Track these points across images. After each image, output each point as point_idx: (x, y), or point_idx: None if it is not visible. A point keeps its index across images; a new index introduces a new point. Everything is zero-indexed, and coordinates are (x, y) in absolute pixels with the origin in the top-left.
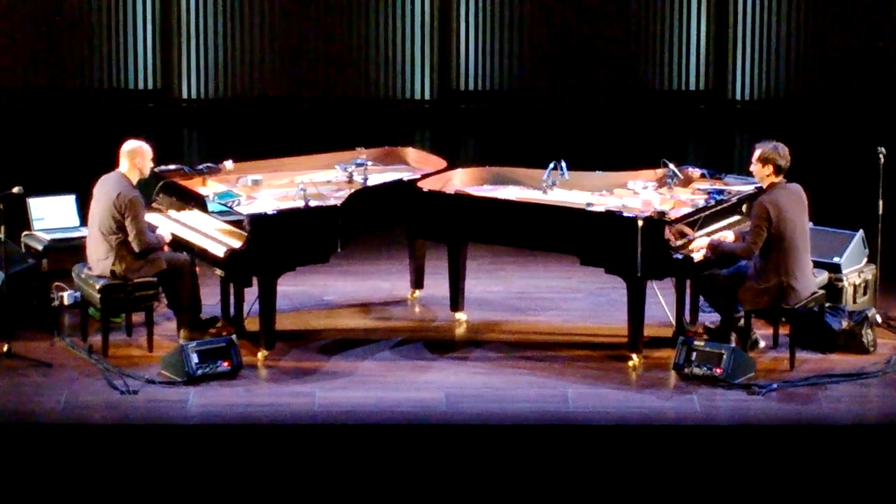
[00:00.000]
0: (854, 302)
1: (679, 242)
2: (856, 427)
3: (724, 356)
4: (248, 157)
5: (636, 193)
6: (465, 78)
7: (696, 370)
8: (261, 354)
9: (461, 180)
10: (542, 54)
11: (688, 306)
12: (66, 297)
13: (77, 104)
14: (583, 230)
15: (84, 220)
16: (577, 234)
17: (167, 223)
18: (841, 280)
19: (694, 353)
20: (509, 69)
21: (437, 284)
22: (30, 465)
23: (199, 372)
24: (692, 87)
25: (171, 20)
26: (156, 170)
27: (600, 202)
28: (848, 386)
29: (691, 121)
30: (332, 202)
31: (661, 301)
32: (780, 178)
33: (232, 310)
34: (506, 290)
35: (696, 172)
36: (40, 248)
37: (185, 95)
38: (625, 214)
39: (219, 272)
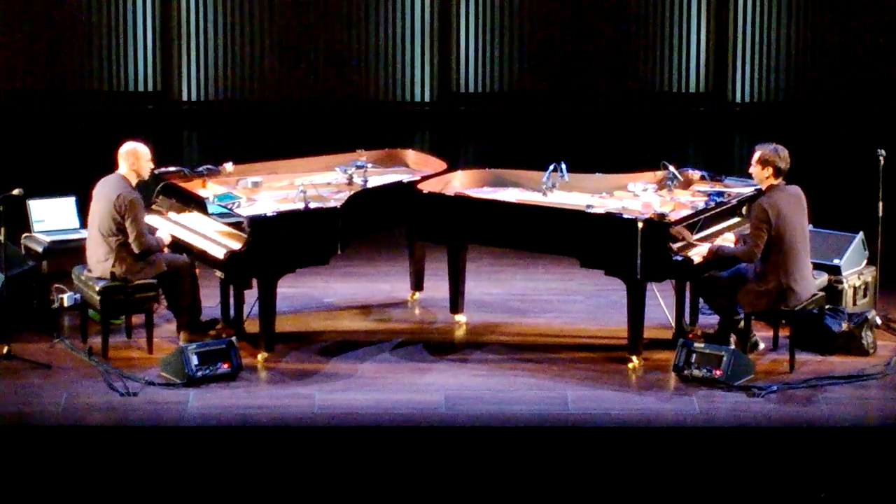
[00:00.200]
0: (854, 304)
1: (679, 244)
2: (855, 429)
3: (724, 358)
4: (248, 159)
5: (636, 195)
6: (465, 80)
7: (696, 372)
8: (261, 356)
9: (461, 182)
10: (541, 56)
11: (687, 308)
12: (66, 298)
13: (77, 106)
14: (583, 232)
15: (84, 222)
16: (577, 236)
17: (167, 225)
18: (841, 282)
19: (694, 355)
20: (509, 71)
21: (436, 286)
22: (30, 466)
23: (199, 374)
24: (692, 89)
25: (170, 22)
26: (156, 172)
27: (600, 204)
28: (848, 388)
29: (691, 123)
30: (331, 204)
31: (660, 303)
32: (779, 181)
33: (232, 312)
34: (506, 292)
35: (695, 174)
36: (40, 249)
37: (184, 97)
38: (625, 216)
39: (219, 274)
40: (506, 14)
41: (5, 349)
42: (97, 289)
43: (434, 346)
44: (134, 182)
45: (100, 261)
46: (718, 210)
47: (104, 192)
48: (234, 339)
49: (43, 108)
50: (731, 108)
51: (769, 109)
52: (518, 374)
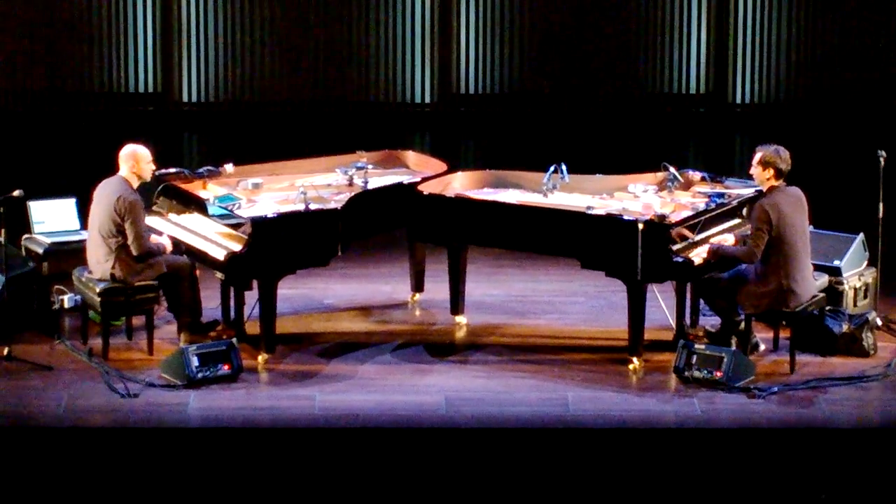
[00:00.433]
0: (854, 305)
1: (679, 245)
2: (856, 430)
3: (725, 359)
4: (249, 160)
5: (636, 197)
6: (466, 81)
7: (697, 373)
8: (261, 358)
9: (461, 183)
10: (542, 58)
11: (688, 310)
12: (67, 300)
13: (77, 107)
14: (583, 233)
15: (84, 224)
16: (578, 238)
17: (167, 226)
18: (841, 283)
19: (694, 357)
20: (509, 73)
21: (437, 288)
22: (30, 468)
23: (200, 375)
24: (692, 90)
25: (171, 23)
26: (156, 173)
27: (601, 205)
28: (848, 389)
29: (692, 124)
30: (332, 205)
31: (661, 304)
32: (780, 182)
33: (232, 313)
34: (506, 293)
35: (696, 176)
36: (40, 251)
37: (185, 98)
38: (625, 218)
39: (219, 275)
40: (506, 15)
41: (6, 351)
42: (98, 290)
43: (434, 347)
44: (135, 184)
45: (100, 262)
46: (719, 211)
47: (105, 194)
48: (234, 340)
49: (43, 108)
50: (731, 110)
51: (769, 110)
52: (518, 376)
